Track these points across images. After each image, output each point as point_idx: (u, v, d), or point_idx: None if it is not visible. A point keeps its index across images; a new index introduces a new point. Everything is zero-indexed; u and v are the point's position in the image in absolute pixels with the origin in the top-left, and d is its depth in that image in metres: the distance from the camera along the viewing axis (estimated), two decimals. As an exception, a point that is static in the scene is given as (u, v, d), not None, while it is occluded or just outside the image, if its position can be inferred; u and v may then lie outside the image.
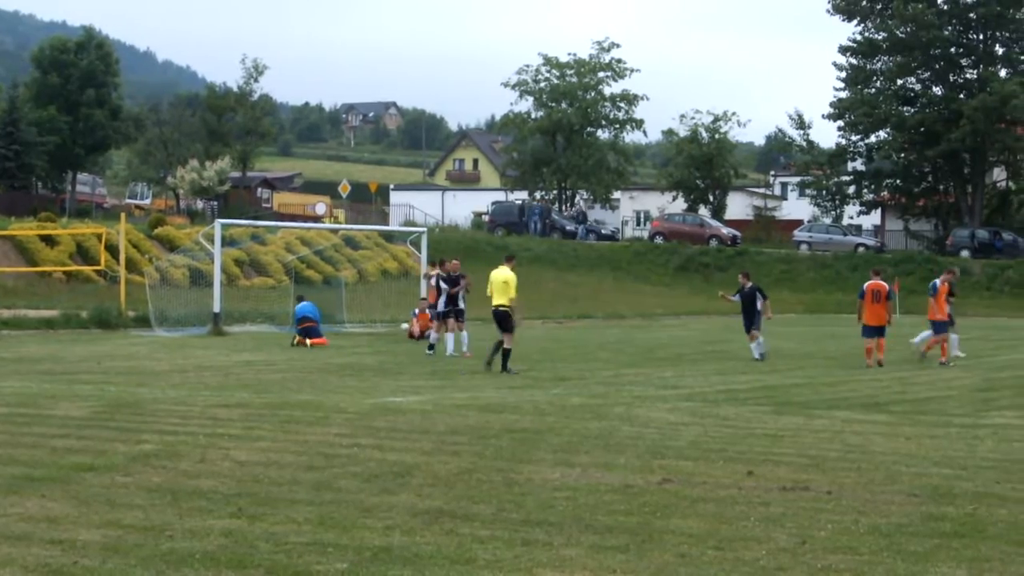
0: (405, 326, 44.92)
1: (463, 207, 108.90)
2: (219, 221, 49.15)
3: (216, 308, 44.11)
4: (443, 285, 35.69)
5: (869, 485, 14.87)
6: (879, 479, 15.30)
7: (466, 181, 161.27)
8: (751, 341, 34.70)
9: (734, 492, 14.25)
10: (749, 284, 35.49)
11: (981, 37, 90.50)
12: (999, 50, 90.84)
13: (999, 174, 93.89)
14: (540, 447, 17.49)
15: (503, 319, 30.95)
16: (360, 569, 10.66)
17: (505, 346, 30.58)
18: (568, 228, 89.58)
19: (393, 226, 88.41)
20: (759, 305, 35.12)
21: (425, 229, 58.50)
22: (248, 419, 19.96)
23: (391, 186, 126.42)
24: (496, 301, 31.22)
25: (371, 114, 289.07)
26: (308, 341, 38.82)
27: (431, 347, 35.01)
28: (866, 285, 34.51)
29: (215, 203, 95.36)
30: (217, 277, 45.04)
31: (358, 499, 13.55)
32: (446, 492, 14.03)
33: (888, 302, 34.32)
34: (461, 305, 35.48)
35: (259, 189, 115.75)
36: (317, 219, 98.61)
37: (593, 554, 11.27)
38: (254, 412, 20.97)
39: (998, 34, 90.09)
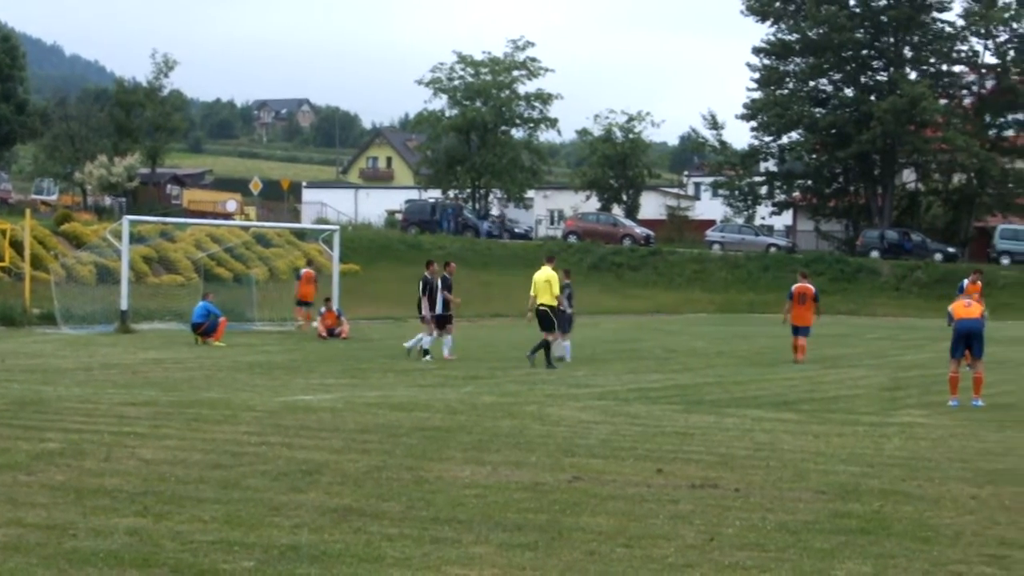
0: (315, 324, 44.70)
1: (376, 205, 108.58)
2: (127, 217, 48.68)
3: (123, 305, 43.63)
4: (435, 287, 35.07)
5: (777, 483, 14.95)
6: (787, 477, 15.39)
7: (379, 179, 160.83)
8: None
9: (643, 490, 14.27)
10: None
11: (892, 40, 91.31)
12: (909, 53, 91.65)
13: (909, 176, 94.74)
14: (451, 445, 17.45)
15: (545, 318, 31.79)
16: (267, 567, 10.56)
17: (549, 339, 31.69)
18: (482, 227, 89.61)
19: (305, 224, 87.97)
20: None
21: (338, 227, 58.25)
22: (155, 417, 19.76)
23: (303, 184, 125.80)
24: (540, 300, 31.97)
25: (284, 111, 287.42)
26: (211, 340, 38.48)
27: (426, 352, 33.96)
28: (794, 287, 35.56)
29: (123, 199, 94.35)
30: (125, 274, 44.56)
31: (266, 497, 13.44)
32: (355, 490, 13.96)
33: (814, 303, 35.29)
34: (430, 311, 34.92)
35: (169, 186, 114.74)
36: (228, 216, 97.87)
37: (502, 552, 11.24)
38: (161, 410, 20.77)
39: (909, 37, 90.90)
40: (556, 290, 31.95)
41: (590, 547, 11.46)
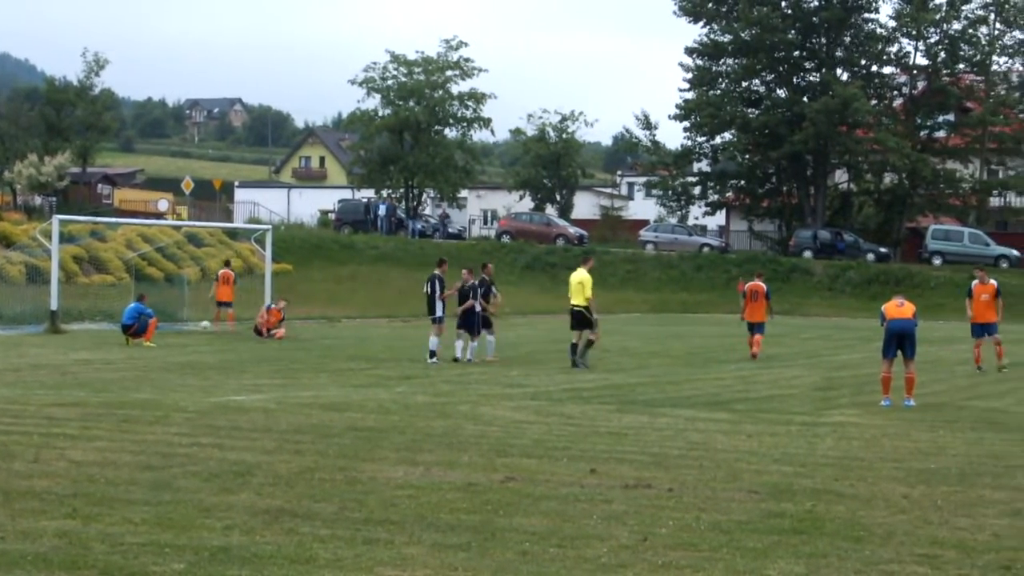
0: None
1: (309, 205, 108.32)
2: (57, 217, 48.29)
3: (53, 306, 43.22)
4: (438, 290, 34.63)
5: (710, 482, 14.97)
6: (720, 476, 15.41)
7: (312, 179, 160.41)
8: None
9: (577, 490, 14.25)
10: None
11: (824, 41, 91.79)
12: (841, 54, 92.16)
13: (841, 176, 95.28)
14: (383, 446, 17.39)
15: (579, 318, 32.16)
16: (198, 569, 10.47)
17: (590, 338, 32.19)
18: (415, 226, 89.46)
19: (237, 223, 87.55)
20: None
21: (270, 226, 58.05)
22: (85, 418, 19.61)
23: (236, 183, 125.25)
24: (573, 301, 32.33)
25: (216, 110, 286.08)
26: (141, 341, 38.16)
27: (432, 354, 33.56)
28: (748, 285, 37.45)
29: (53, 199, 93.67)
30: (55, 274, 44.18)
31: (197, 499, 13.35)
32: (287, 491, 13.88)
33: (766, 301, 36.99)
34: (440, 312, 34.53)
35: (100, 185, 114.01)
36: (159, 216, 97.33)
37: (435, 552, 11.20)
38: (91, 411, 20.61)
39: (840, 38, 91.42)
40: (588, 292, 32.21)
41: (523, 547, 11.42)
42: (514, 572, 10.65)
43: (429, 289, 34.43)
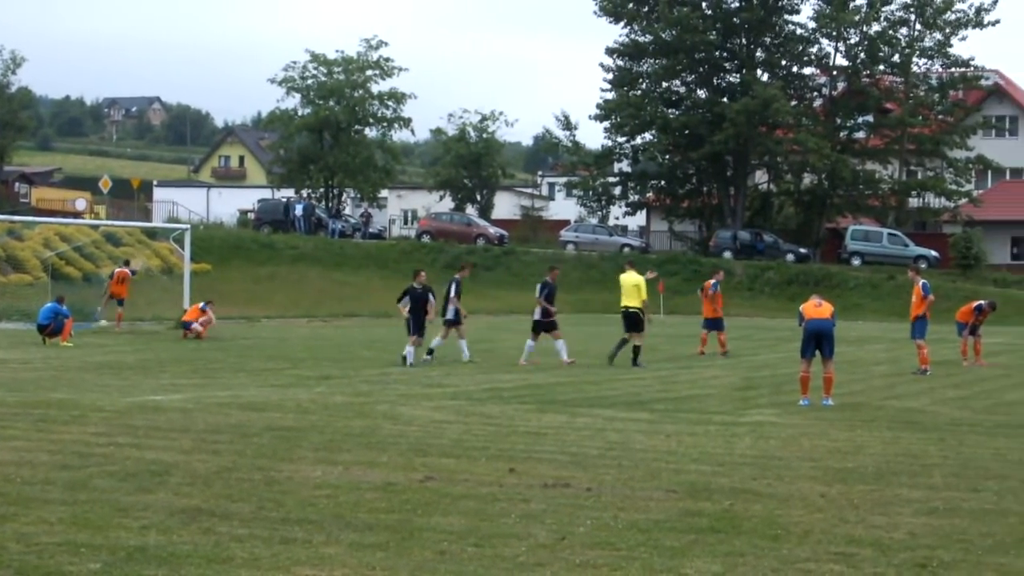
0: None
1: (228, 204, 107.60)
2: (-26, 216, 47.78)
3: (-31, 305, 42.84)
4: (452, 293, 34.21)
5: (629, 482, 15.01)
6: (639, 476, 15.46)
7: (232, 178, 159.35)
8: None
9: (495, 489, 14.26)
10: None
11: (744, 42, 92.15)
12: (761, 55, 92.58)
13: (761, 176, 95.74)
14: (302, 445, 17.34)
15: (633, 319, 32.97)
16: (113, 569, 10.43)
17: (636, 343, 32.78)
18: (335, 226, 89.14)
19: (156, 223, 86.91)
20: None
21: (188, 226, 57.69)
22: (1, 418, 19.41)
23: (154, 182, 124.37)
24: (625, 303, 33.17)
25: (134, 109, 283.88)
26: (58, 341, 37.79)
27: (430, 351, 33.32)
28: (705, 284, 39.29)
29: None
30: (-29, 273, 43.75)
31: (113, 498, 13.28)
32: (204, 491, 13.82)
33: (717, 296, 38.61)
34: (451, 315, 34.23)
35: (16, 184, 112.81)
36: (77, 215, 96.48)
37: (353, 552, 11.19)
38: (7, 411, 20.43)
39: (761, 39, 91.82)
40: (644, 294, 33.04)
41: (441, 547, 11.43)
42: (432, 571, 10.65)
43: (448, 291, 34.15)
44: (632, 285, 33.29)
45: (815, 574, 10.89)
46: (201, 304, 43.08)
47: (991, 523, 13.05)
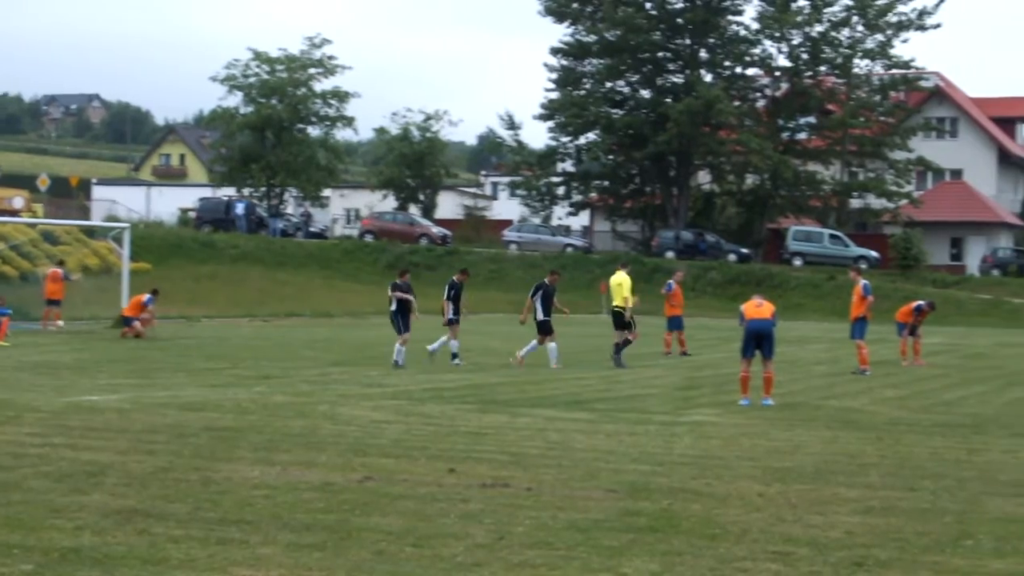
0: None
1: (169, 203, 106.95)
2: (-91, 214, 47.32)
3: (-94, 304, 42.33)
4: (444, 296, 34.17)
5: (568, 481, 15.00)
6: (578, 475, 15.45)
7: (172, 176, 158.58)
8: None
9: (435, 489, 14.23)
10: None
11: (688, 42, 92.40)
12: (705, 55, 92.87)
13: (704, 177, 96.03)
14: (240, 445, 17.26)
15: (618, 318, 33.43)
16: (46, 570, 10.37)
17: (628, 338, 33.50)
18: (276, 225, 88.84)
19: (95, 221, 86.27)
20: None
21: (128, 225, 57.37)
22: (-66, 418, 19.23)
23: (94, 181, 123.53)
24: (614, 302, 33.65)
25: (73, 106, 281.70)
26: None
27: (455, 355, 33.32)
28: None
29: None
30: (-93, 272, 43.30)
31: (47, 499, 13.18)
32: (140, 491, 13.73)
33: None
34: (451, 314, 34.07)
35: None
36: (14, 213, 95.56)
37: (290, 552, 11.14)
38: (-59, 411, 20.21)
39: (704, 40, 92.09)
40: (626, 293, 33.33)
41: (379, 547, 11.39)
42: (369, 571, 10.61)
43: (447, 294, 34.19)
44: (616, 284, 33.76)
45: (752, 573, 10.91)
46: (146, 297, 42.68)
47: (927, 522, 13.11)
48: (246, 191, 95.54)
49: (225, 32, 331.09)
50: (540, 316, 33.65)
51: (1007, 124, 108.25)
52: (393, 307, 32.79)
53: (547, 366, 32.40)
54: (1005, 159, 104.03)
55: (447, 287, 34.56)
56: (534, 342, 33.68)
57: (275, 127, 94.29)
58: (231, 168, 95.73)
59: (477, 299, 71.63)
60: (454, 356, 33.24)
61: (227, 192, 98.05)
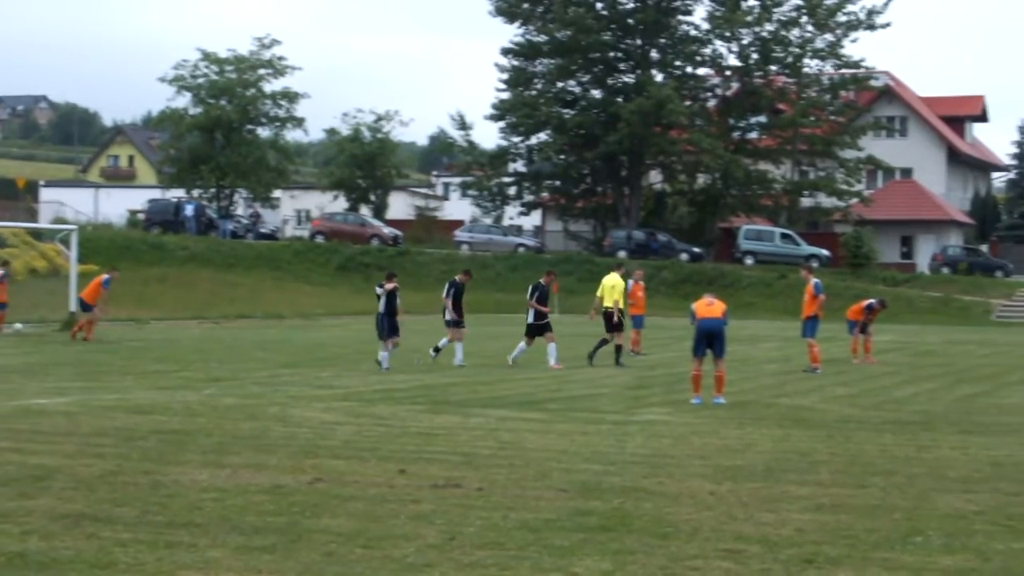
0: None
1: (117, 205, 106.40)
2: None
3: None
4: (444, 295, 34.19)
5: (520, 481, 14.97)
6: (530, 475, 15.43)
7: (121, 178, 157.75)
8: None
9: (385, 490, 14.19)
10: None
11: (639, 42, 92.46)
12: (656, 55, 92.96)
13: (655, 176, 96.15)
14: (189, 448, 17.16)
15: (610, 319, 33.87)
16: (-9, 576, 10.23)
17: (617, 343, 33.90)
18: (227, 227, 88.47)
19: (42, 223, 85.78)
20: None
21: (75, 227, 57.00)
22: None
23: (41, 182, 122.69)
24: (606, 304, 34.01)
25: (20, 107, 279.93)
26: None
27: (436, 350, 33.64)
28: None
29: None
30: None
31: (-6, 504, 13.04)
32: (88, 495, 13.63)
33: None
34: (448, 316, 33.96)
35: None
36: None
37: (239, 555, 11.10)
38: None
39: (655, 40, 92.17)
40: (617, 295, 33.99)
41: (329, 548, 11.36)
42: (319, 573, 10.60)
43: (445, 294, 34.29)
44: (609, 287, 34.21)
45: (703, 571, 10.91)
46: (104, 277, 42.44)
47: (877, 518, 13.15)
48: (195, 192, 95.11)
49: (174, 33, 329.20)
50: (530, 318, 33.78)
51: (956, 123, 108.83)
52: (381, 310, 32.23)
53: (501, 367, 32.39)
54: (954, 158, 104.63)
55: (447, 285, 34.49)
56: (523, 344, 33.74)
57: (224, 128, 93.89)
58: (180, 169, 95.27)
59: (429, 300, 71.57)
60: (435, 350, 33.67)
61: (176, 194, 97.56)
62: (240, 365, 32.53)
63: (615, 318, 33.86)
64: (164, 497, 13.60)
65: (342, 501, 13.52)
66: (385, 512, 12.96)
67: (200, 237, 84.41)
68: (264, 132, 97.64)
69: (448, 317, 33.97)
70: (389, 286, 32.06)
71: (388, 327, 31.87)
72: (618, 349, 33.88)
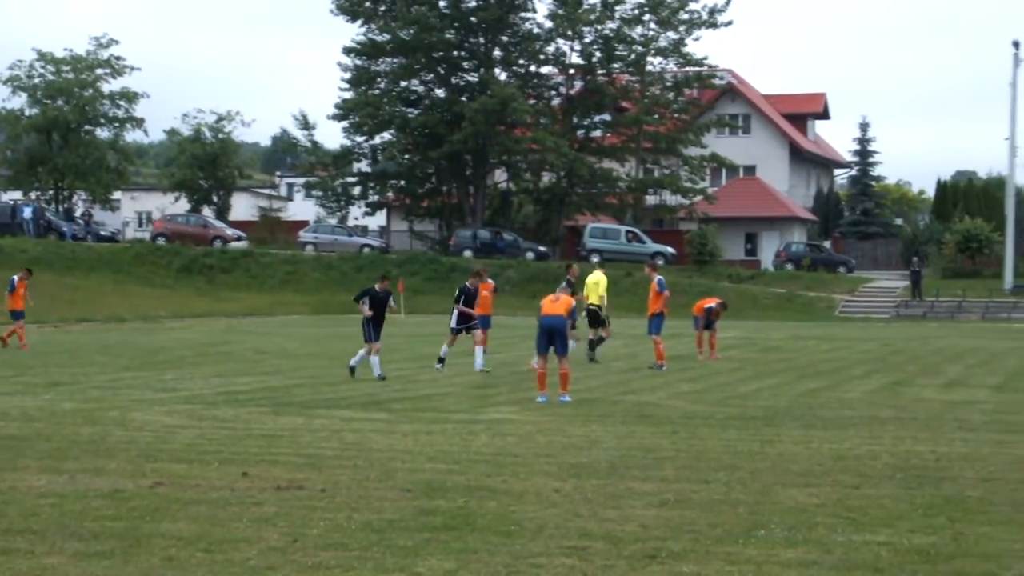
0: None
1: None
2: None
3: None
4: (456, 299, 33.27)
5: (364, 482, 14.90)
6: (374, 476, 15.36)
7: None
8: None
9: (227, 493, 14.05)
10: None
11: (482, 41, 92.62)
12: (499, 54, 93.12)
13: (500, 175, 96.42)
14: (26, 454, 16.86)
15: (593, 316, 34.47)
16: None
17: (601, 335, 34.82)
18: (63, 229, 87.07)
19: None
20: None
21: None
22: None
23: None
24: (590, 301, 34.31)
25: None
26: None
27: (441, 360, 32.52)
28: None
29: None
30: None
31: None
32: (-81, 504, 13.28)
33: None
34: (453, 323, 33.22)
35: None
36: None
37: (77, 561, 10.96)
38: None
39: (498, 38, 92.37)
40: (602, 291, 34.63)
41: (169, 553, 11.24)
42: (157, 579, 10.41)
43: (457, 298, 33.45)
44: (593, 283, 34.69)
45: (547, 568, 10.91)
46: (23, 278, 42.01)
47: (720, 513, 13.25)
48: (33, 195, 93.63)
49: (8, 32, 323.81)
50: (453, 322, 33.18)
51: (798, 120, 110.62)
52: (368, 313, 31.21)
53: (342, 366, 32.19)
54: (797, 155, 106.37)
55: (458, 291, 33.66)
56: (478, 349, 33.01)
57: (62, 129, 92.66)
58: (17, 171, 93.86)
59: (273, 301, 71.35)
60: (440, 361, 32.74)
61: (13, 196, 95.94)
62: (80, 369, 32.01)
63: (600, 315, 34.43)
64: (0, 504, 13.34)
65: (183, 505, 13.37)
66: (227, 515, 12.83)
67: (39, 240, 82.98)
68: (103, 133, 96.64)
69: (453, 324, 33.33)
70: (379, 287, 31.22)
71: (373, 332, 30.77)
72: (596, 341, 34.61)
